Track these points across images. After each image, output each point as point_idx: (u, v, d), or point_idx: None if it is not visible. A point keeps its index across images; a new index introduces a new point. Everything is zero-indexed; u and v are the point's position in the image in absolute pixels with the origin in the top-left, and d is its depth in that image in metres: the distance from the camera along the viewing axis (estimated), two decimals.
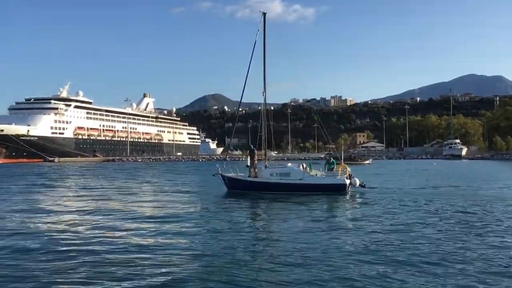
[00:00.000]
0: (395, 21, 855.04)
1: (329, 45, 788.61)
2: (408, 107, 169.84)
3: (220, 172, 24.10)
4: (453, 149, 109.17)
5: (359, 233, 12.10)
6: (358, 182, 22.53)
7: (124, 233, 12.56)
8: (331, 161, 24.07)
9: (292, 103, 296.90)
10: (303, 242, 10.85)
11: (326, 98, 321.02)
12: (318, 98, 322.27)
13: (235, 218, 15.39)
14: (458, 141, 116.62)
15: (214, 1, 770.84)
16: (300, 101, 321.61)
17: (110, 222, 14.57)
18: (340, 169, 22.76)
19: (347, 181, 21.94)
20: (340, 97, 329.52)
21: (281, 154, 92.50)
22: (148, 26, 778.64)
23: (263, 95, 25.29)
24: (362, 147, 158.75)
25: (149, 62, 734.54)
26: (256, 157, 23.98)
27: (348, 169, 22.88)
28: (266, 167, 23.70)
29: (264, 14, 25.25)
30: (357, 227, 13.08)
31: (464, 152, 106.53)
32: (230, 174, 24.13)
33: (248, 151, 26.37)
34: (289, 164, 24.30)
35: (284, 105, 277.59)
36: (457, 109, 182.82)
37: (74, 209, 18.02)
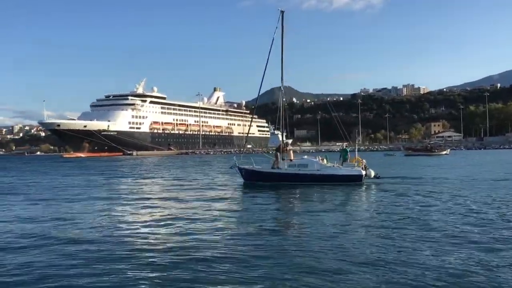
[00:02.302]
0: (470, 2, 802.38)
1: (399, 32, 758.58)
2: (488, 94, 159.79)
3: (236, 164, 25.14)
4: None
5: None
6: (373, 173, 23.13)
7: None
8: (344, 148, 24.88)
9: (362, 93, 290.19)
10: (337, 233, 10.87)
11: (398, 87, 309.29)
12: (390, 87, 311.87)
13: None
14: None
15: None
16: (371, 91, 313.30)
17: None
18: (354, 161, 23.41)
19: (363, 172, 22.47)
20: (413, 85, 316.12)
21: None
22: (216, 20, 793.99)
23: (281, 90, 26.05)
24: (437, 137, 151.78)
25: (218, 56, 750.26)
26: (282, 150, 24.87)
27: (363, 160, 23.49)
28: (283, 159, 24.41)
29: (282, 12, 25.15)
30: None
31: None
32: (246, 166, 25.13)
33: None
34: (305, 157, 25.11)
35: (354, 95, 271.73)
36: None
37: None
